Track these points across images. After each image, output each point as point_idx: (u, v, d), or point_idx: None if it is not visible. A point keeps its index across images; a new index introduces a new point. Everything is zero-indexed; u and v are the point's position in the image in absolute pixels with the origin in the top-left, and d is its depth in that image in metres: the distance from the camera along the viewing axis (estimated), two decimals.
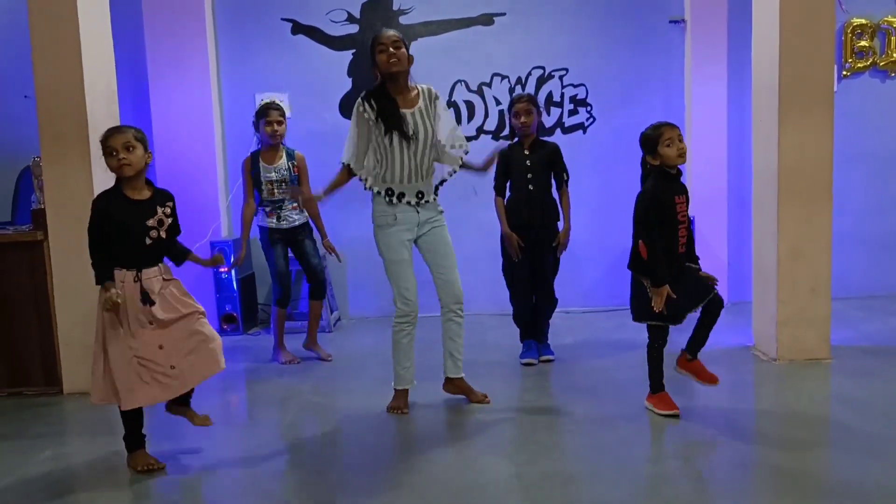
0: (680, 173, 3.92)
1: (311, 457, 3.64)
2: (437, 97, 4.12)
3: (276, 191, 5.23)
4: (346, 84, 6.67)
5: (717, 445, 3.61)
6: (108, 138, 3.33)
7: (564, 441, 3.70)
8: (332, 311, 6.46)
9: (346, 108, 6.64)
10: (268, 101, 5.42)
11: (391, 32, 4.00)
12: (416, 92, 4.06)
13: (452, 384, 4.29)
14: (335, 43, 6.66)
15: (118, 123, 4.94)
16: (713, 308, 3.88)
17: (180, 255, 3.62)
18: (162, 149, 6.19)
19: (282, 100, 6.30)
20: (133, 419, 3.45)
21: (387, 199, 4.01)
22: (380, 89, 4.01)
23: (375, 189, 4.02)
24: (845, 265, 6.26)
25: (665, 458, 3.52)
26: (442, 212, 4.17)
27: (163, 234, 3.40)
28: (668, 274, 3.77)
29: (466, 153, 4.19)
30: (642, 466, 3.36)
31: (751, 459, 3.43)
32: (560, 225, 4.99)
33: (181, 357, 3.38)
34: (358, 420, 4.11)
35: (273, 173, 5.23)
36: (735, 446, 3.56)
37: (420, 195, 4.05)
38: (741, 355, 5.00)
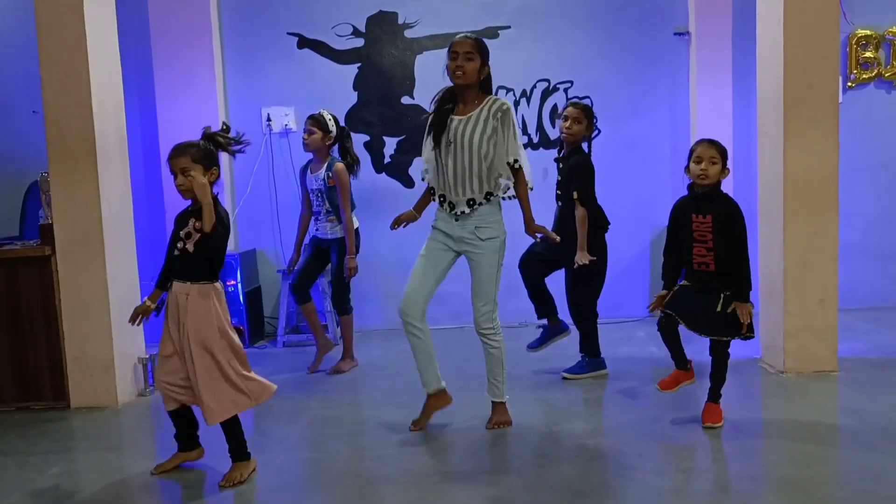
0: (711, 194, 3.88)
1: (318, 471, 3.64)
2: (503, 112, 3.85)
3: (314, 201, 5.31)
4: (352, 98, 6.70)
5: (726, 458, 3.60)
6: (168, 159, 3.37)
7: (572, 454, 3.69)
8: (338, 325, 6.46)
9: (351, 121, 6.66)
10: (318, 111, 5.35)
11: (469, 40, 3.82)
12: (481, 102, 3.88)
13: (492, 406, 4.13)
14: (341, 57, 6.69)
15: (126, 139, 4.98)
16: (715, 356, 3.93)
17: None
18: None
19: (286, 113, 6.37)
20: (173, 419, 3.58)
21: (433, 197, 4.04)
22: (450, 90, 3.95)
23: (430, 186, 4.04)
24: (853, 276, 6.25)
25: (673, 471, 3.51)
26: (485, 238, 3.89)
27: (189, 248, 3.35)
28: (671, 281, 3.94)
29: (506, 191, 3.98)
30: (650, 479, 3.34)
31: (759, 472, 3.43)
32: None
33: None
34: (365, 433, 4.12)
35: (313, 182, 5.29)
36: (743, 459, 3.55)
37: (452, 206, 3.93)
38: (748, 367, 4.99)
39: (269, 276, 6.68)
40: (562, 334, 5.06)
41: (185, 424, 3.59)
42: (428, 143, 4.00)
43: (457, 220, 3.93)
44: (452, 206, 3.93)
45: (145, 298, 3.55)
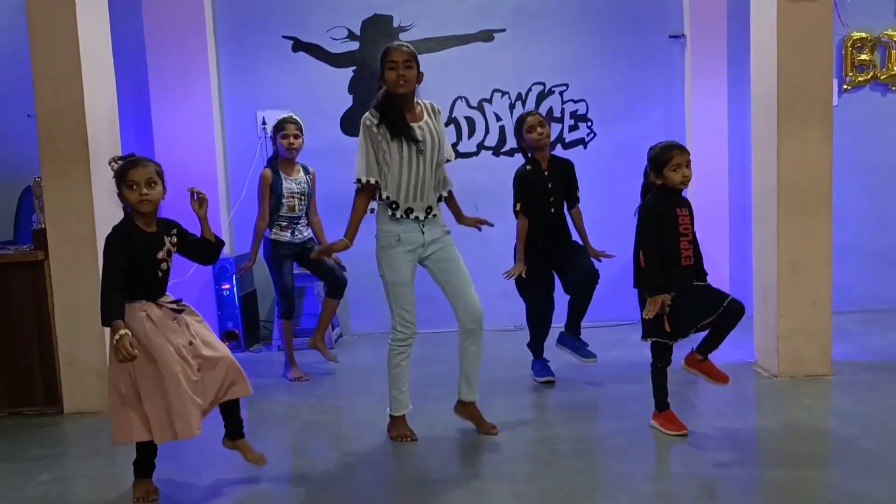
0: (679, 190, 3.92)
1: (311, 477, 3.63)
2: (438, 112, 4.02)
3: (296, 205, 5.28)
4: (347, 101, 6.70)
5: (718, 462, 3.58)
6: (129, 171, 3.23)
7: (563, 459, 3.67)
8: (333, 328, 6.46)
9: (347, 124, 6.67)
10: (286, 115, 5.42)
11: (404, 49, 3.84)
12: (419, 108, 3.96)
13: (465, 409, 4.10)
14: (336, 60, 6.69)
15: (119, 143, 4.97)
16: (731, 313, 3.76)
17: (212, 250, 3.50)
18: (164, 166, 6.20)
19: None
20: (144, 447, 3.35)
21: (390, 212, 3.86)
22: (385, 101, 3.87)
23: (386, 199, 3.86)
24: (846, 278, 6.25)
25: (664, 475, 3.51)
26: (448, 232, 4.02)
27: (170, 263, 3.37)
28: (664, 284, 3.77)
29: (449, 192, 4.07)
30: (641, 484, 3.34)
31: (752, 476, 3.42)
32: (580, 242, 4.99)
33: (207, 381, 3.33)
34: (359, 439, 4.10)
35: (294, 185, 5.28)
36: (736, 463, 3.54)
37: (429, 210, 3.92)
38: (742, 371, 4.98)
39: (265, 280, 6.65)
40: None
41: (154, 450, 3.41)
42: (378, 157, 3.84)
43: (424, 227, 3.92)
44: (409, 212, 3.89)
45: (122, 334, 3.03)
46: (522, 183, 4.83)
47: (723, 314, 3.77)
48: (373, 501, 3.32)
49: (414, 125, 3.88)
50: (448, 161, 4.05)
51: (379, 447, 3.94)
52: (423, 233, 3.92)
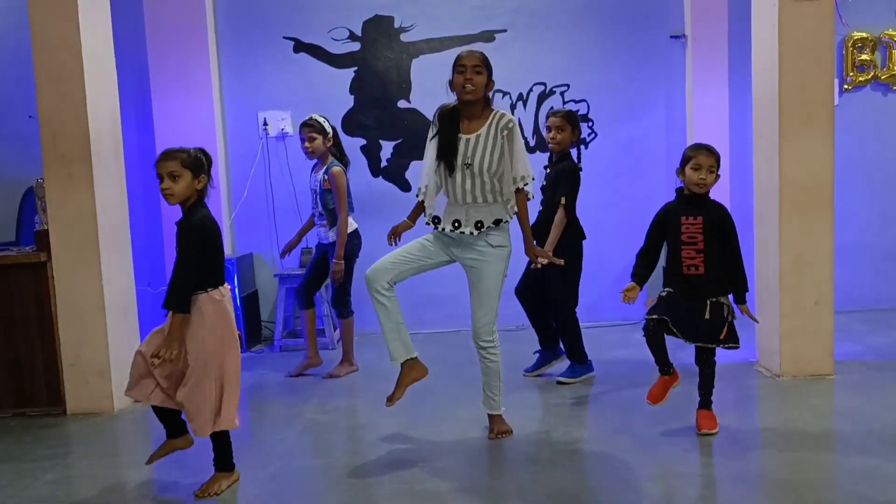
0: (702, 197, 3.86)
1: (312, 478, 3.63)
2: (509, 129, 3.76)
3: (312, 202, 5.41)
4: (349, 102, 6.70)
5: (720, 463, 3.60)
6: (157, 162, 3.34)
7: (566, 459, 3.68)
8: (335, 328, 6.46)
9: (348, 125, 6.67)
10: (308, 117, 5.43)
11: (477, 54, 3.76)
12: (486, 117, 3.79)
13: (489, 417, 4.08)
14: (337, 61, 6.69)
15: (121, 144, 4.97)
16: (701, 365, 3.91)
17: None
18: None
19: (282, 117, 6.38)
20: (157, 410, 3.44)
21: (430, 222, 3.89)
22: (453, 107, 3.84)
23: (428, 213, 3.90)
24: (849, 277, 6.25)
25: (668, 475, 3.51)
26: (496, 246, 3.82)
27: None
28: (643, 277, 3.93)
29: (510, 217, 3.87)
30: (645, 484, 3.34)
31: (753, 476, 3.43)
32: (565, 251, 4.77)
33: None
34: (360, 439, 4.11)
35: (313, 183, 5.37)
36: (737, 463, 3.55)
37: (457, 224, 3.81)
38: (744, 371, 4.98)
39: (266, 281, 6.68)
40: (556, 360, 5.11)
41: (169, 412, 3.45)
42: (431, 165, 3.85)
43: (455, 236, 3.85)
44: (458, 224, 3.81)
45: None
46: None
47: (699, 358, 3.90)
48: (375, 502, 3.31)
49: (463, 136, 3.80)
50: (525, 184, 3.80)
51: (382, 448, 3.94)
52: (461, 233, 3.83)
